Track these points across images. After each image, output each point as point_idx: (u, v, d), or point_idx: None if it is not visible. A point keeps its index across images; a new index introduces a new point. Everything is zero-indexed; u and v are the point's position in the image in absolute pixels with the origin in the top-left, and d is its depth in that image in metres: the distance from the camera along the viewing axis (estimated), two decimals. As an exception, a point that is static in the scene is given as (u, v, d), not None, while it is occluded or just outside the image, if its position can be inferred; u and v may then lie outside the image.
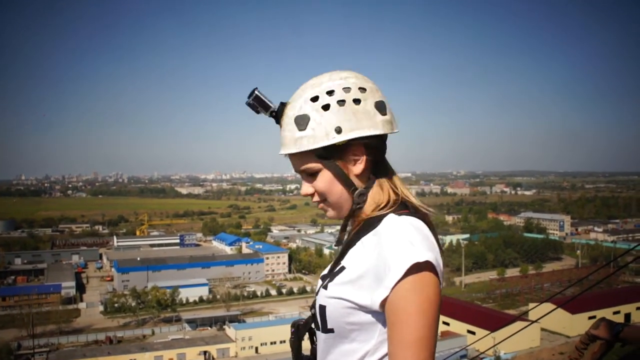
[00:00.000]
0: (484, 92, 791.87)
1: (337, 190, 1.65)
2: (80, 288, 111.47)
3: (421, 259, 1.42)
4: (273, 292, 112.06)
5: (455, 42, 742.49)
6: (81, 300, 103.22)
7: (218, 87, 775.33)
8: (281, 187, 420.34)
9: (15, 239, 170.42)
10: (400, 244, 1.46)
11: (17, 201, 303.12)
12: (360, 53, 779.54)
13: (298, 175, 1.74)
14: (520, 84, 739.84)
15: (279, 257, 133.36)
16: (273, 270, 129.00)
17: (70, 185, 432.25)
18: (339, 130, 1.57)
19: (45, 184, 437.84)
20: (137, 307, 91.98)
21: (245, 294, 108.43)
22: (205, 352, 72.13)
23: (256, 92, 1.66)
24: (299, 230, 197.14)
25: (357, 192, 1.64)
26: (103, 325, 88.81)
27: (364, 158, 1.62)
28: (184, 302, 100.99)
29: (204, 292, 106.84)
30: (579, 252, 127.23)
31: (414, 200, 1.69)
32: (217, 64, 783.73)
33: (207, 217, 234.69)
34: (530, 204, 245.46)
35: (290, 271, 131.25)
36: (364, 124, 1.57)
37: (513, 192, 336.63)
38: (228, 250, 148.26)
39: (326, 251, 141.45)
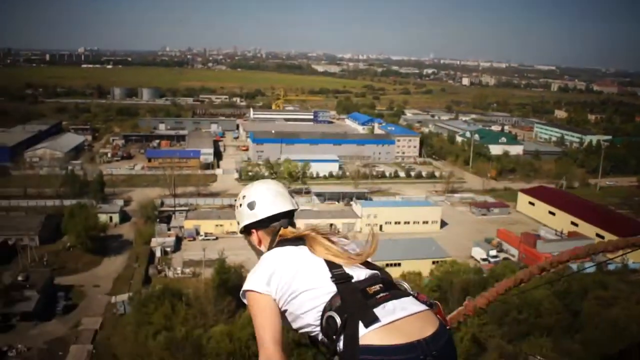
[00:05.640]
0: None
1: (258, 252, 2.91)
2: (218, 155, 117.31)
3: (245, 287, 2.55)
4: (402, 174, 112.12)
5: None
6: (218, 167, 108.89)
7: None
8: (417, 71, 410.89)
9: (160, 106, 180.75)
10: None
11: (161, 71, 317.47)
12: None
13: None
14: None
15: (410, 140, 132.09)
16: (403, 153, 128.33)
17: (210, 58, 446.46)
18: (238, 223, 2.99)
19: (188, 56, 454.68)
20: (269, 177, 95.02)
21: (374, 173, 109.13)
22: (331, 225, 73.63)
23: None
24: (432, 116, 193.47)
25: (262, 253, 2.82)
26: (237, 191, 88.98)
27: (255, 234, 2.94)
28: (314, 175, 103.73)
29: (334, 168, 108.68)
30: None
31: (300, 233, 2.74)
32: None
33: (341, 96, 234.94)
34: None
35: (420, 155, 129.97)
36: (244, 218, 2.93)
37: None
38: (360, 129, 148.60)
39: (458, 139, 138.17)
